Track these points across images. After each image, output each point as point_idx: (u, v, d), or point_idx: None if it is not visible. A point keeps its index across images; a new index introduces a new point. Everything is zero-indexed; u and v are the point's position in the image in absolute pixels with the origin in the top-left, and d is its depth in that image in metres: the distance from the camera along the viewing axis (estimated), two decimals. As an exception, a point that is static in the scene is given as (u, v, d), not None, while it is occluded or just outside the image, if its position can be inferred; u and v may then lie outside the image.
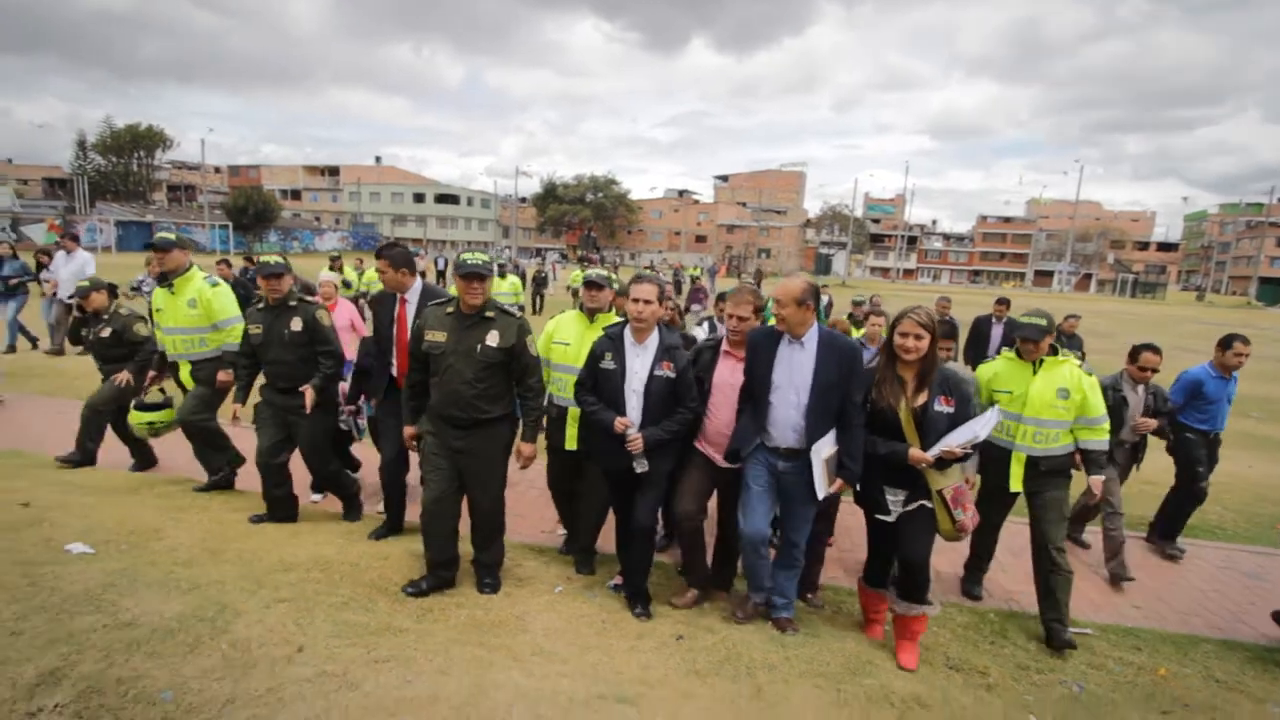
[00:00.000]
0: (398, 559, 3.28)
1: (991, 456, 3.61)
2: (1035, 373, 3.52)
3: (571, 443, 3.56)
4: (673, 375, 3.10)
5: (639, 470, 3.05)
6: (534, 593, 3.22)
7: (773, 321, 3.07)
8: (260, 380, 3.88)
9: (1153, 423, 4.32)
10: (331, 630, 2.25)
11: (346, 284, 9.69)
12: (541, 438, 3.48)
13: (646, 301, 3.09)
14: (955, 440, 2.78)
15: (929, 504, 2.90)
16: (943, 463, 2.83)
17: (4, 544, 2.71)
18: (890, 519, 2.97)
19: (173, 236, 4.10)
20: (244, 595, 2.41)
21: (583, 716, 1.92)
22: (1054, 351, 3.59)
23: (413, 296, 3.69)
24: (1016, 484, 3.57)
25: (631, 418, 3.08)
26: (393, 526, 3.77)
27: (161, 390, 4.47)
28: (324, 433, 3.93)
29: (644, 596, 3.20)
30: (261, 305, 3.82)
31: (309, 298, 3.94)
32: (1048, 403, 3.47)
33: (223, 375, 4.08)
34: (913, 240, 71.21)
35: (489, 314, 3.06)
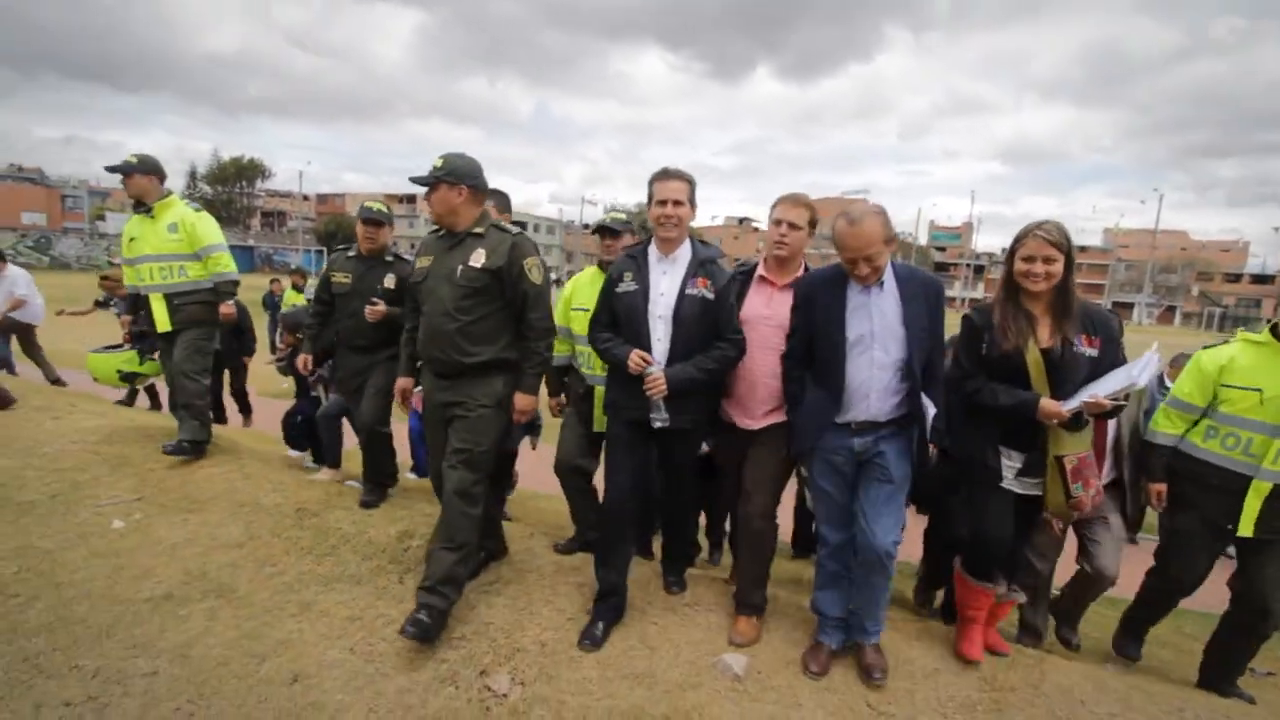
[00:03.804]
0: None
1: (1212, 484, 2.62)
2: None
3: (600, 424, 2.93)
4: (710, 296, 2.40)
5: (656, 424, 2.37)
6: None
7: None
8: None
9: None
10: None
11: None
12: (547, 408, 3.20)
13: (677, 202, 2.42)
14: (1105, 389, 2.16)
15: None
16: (1078, 419, 2.24)
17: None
18: (1010, 487, 2.37)
19: (135, 160, 3.65)
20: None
21: (659, 585, 2.97)
22: None
23: None
24: (1248, 526, 2.53)
25: (657, 352, 2.41)
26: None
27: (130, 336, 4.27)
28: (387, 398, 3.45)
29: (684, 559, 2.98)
30: (352, 254, 3.50)
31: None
32: None
33: (225, 308, 3.76)
34: (980, 269, 69.30)
35: (478, 230, 2.52)
